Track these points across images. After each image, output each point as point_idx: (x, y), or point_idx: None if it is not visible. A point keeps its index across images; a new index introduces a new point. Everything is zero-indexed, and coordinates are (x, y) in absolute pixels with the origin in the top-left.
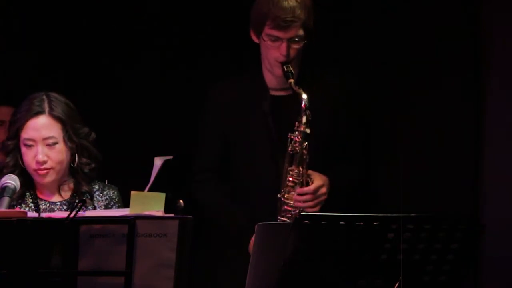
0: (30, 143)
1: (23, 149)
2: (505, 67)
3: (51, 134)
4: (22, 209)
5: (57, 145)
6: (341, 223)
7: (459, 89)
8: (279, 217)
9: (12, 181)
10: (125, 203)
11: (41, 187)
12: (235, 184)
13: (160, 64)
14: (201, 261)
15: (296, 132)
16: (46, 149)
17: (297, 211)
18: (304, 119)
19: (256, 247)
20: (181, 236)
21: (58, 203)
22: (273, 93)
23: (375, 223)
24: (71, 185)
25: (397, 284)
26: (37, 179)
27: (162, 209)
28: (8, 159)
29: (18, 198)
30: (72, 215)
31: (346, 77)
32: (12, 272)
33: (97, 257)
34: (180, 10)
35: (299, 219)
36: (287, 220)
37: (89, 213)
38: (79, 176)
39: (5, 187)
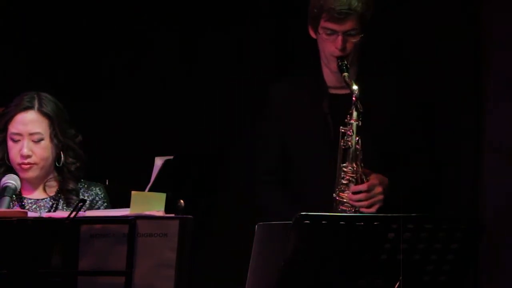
0: (17, 137)
1: (10, 144)
2: (505, 67)
3: (38, 130)
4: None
5: (42, 142)
6: (341, 223)
7: (459, 88)
8: None
9: (12, 181)
10: (116, 203)
11: (26, 185)
12: (293, 185)
13: (161, 63)
14: (201, 261)
15: (348, 126)
16: (31, 144)
17: (353, 210)
18: (354, 112)
19: (256, 247)
20: (182, 236)
21: (42, 200)
22: (332, 91)
23: (375, 223)
24: (56, 182)
25: (397, 284)
26: (21, 174)
27: (163, 209)
28: None
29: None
30: (72, 215)
31: (403, 77)
32: (12, 272)
33: (97, 257)
34: (181, 7)
35: (299, 219)
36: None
37: (90, 213)
38: (65, 175)
39: (6, 187)
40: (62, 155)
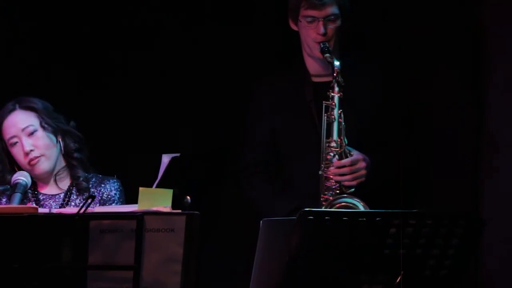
0: (14, 140)
1: (12, 150)
2: (505, 66)
3: (28, 123)
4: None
5: (37, 132)
6: (344, 218)
7: (459, 87)
8: (321, 196)
9: (23, 177)
10: (128, 197)
11: (40, 181)
12: (282, 174)
13: (165, 61)
14: (207, 255)
15: (330, 100)
16: (29, 140)
17: (337, 185)
18: (336, 85)
19: (261, 242)
20: (188, 231)
21: (57, 195)
22: (315, 79)
23: (377, 219)
24: (67, 174)
25: (399, 278)
26: (33, 171)
27: (170, 205)
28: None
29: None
30: (82, 211)
31: (384, 68)
32: (24, 266)
33: (106, 252)
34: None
35: (302, 215)
36: (330, 197)
37: (99, 209)
38: (71, 162)
39: (17, 183)
40: (60, 140)
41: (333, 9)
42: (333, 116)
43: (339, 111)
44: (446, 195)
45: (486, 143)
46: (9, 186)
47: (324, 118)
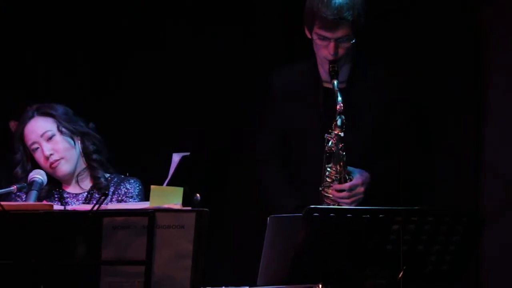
0: (35, 146)
1: (35, 155)
2: (505, 65)
3: (45, 128)
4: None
5: (55, 137)
6: (348, 215)
7: (460, 87)
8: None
9: (39, 175)
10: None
11: (64, 183)
12: (291, 167)
13: (173, 60)
14: (216, 251)
15: (332, 134)
16: (48, 144)
17: (336, 204)
18: (339, 122)
19: (268, 238)
20: (198, 228)
21: (80, 194)
22: (326, 85)
23: (380, 216)
24: (88, 174)
25: (401, 273)
26: (55, 174)
27: (180, 202)
28: (17, 169)
29: (45, 196)
30: (95, 208)
31: (397, 75)
32: (39, 261)
33: (119, 248)
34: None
35: (309, 212)
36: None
37: (112, 206)
38: (91, 163)
39: (33, 181)
40: (79, 142)
41: (346, 31)
42: (334, 148)
43: (341, 145)
44: (447, 193)
45: (487, 143)
46: (26, 184)
47: (326, 149)
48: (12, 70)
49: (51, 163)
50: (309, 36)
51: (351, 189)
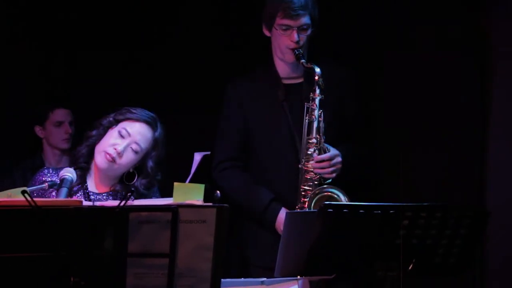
0: (125, 133)
1: (113, 133)
2: (509, 66)
3: (142, 145)
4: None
5: (136, 155)
6: (360, 211)
7: (464, 87)
8: (301, 186)
9: (70, 173)
10: (161, 191)
11: (94, 178)
12: (255, 170)
13: (190, 65)
14: (235, 244)
15: (312, 102)
16: (128, 149)
17: (317, 177)
18: (317, 88)
19: (286, 232)
20: (219, 223)
21: (105, 194)
22: (285, 82)
23: (391, 211)
24: (118, 187)
25: (411, 265)
26: (99, 160)
27: (202, 198)
28: (94, 132)
29: (72, 194)
30: (122, 204)
31: (349, 70)
32: (70, 253)
33: (144, 241)
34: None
35: (323, 208)
36: (309, 188)
37: (138, 202)
38: (129, 188)
39: (64, 179)
40: (137, 176)
41: (305, 20)
42: (313, 116)
43: (319, 112)
44: (454, 190)
45: (491, 142)
46: (57, 181)
47: (306, 118)
48: (38, 77)
49: (110, 155)
50: (267, 34)
51: (331, 158)
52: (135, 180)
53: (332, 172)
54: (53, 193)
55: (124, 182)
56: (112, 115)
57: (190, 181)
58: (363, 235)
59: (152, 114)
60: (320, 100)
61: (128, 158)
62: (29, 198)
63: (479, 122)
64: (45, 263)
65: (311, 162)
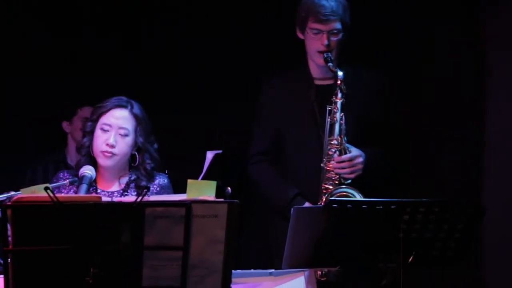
0: (106, 127)
1: (98, 132)
2: (505, 68)
3: (127, 126)
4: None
5: (127, 138)
6: (363, 206)
7: (463, 91)
8: (323, 185)
9: (89, 171)
10: (176, 189)
11: (104, 176)
12: (284, 166)
13: (210, 63)
14: (246, 237)
15: (333, 104)
16: (118, 137)
17: (337, 177)
18: (339, 92)
19: (293, 226)
20: (230, 217)
21: (116, 192)
22: (317, 82)
23: (392, 207)
24: (129, 178)
25: (411, 258)
26: (100, 161)
27: (214, 194)
28: (85, 140)
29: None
30: (139, 199)
31: (380, 75)
32: (89, 246)
33: (159, 235)
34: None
35: (329, 203)
36: (330, 187)
37: (153, 198)
38: (141, 172)
39: (83, 176)
40: (138, 156)
41: (336, 24)
42: (335, 118)
43: (341, 114)
44: (452, 187)
45: (487, 142)
46: (77, 178)
47: (328, 119)
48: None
49: (106, 151)
50: (301, 36)
51: (351, 159)
52: (138, 161)
53: (351, 173)
54: (72, 190)
55: (132, 171)
56: (89, 118)
57: (203, 178)
58: (366, 229)
59: (120, 97)
60: (342, 103)
61: (123, 143)
62: (51, 194)
63: (476, 123)
64: (66, 255)
65: (332, 162)
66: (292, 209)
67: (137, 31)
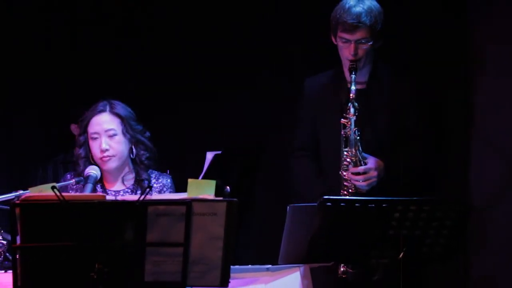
0: (95, 135)
1: (91, 142)
2: (495, 62)
3: (111, 126)
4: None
5: (116, 137)
6: (356, 205)
7: (450, 84)
8: (341, 191)
9: (94, 171)
10: (178, 189)
11: (109, 177)
12: (320, 158)
13: (217, 63)
14: (244, 234)
15: (347, 119)
16: (108, 140)
17: (353, 186)
18: (351, 108)
19: (289, 224)
20: (228, 215)
21: (122, 190)
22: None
23: (384, 205)
24: (132, 175)
25: (401, 254)
26: (103, 166)
27: (213, 193)
28: (80, 151)
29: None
30: (141, 198)
31: (413, 81)
32: (94, 243)
33: (161, 232)
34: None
35: (322, 202)
36: (346, 193)
37: (155, 196)
38: (139, 166)
39: (89, 175)
40: (134, 148)
41: (364, 34)
42: (349, 132)
43: (354, 129)
44: (441, 186)
45: (475, 142)
46: (82, 178)
47: (342, 133)
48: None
49: (104, 156)
50: (335, 42)
51: (365, 172)
52: (134, 153)
53: (365, 185)
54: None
55: (135, 169)
56: (78, 133)
57: (203, 178)
58: (359, 227)
59: (98, 103)
60: (354, 120)
61: (115, 143)
62: (58, 193)
63: (464, 123)
64: (72, 252)
65: (347, 172)
66: (287, 207)
67: (137, 31)
